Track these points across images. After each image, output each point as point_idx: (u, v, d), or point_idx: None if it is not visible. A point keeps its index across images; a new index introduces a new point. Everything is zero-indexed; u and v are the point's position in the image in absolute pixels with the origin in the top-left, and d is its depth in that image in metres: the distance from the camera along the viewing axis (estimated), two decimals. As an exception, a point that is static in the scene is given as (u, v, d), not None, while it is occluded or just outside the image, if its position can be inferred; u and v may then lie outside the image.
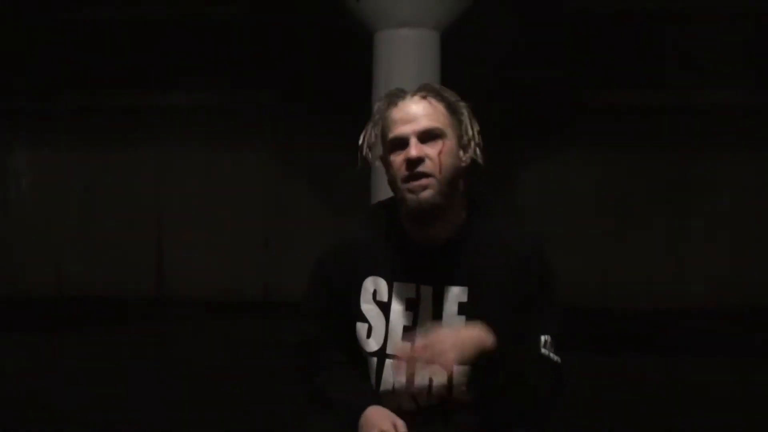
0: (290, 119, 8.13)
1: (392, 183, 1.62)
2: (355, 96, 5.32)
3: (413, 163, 1.56)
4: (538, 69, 7.60)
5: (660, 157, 7.97)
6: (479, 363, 1.51)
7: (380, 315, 1.64)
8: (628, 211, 8.02)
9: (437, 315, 1.61)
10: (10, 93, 8.18)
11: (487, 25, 5.87)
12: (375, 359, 1.65)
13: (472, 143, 1.65)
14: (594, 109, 7.81)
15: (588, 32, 7.41)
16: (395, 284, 1.64)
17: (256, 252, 8.25)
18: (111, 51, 7.88)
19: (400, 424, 1.56)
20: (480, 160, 1.65)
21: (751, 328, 6.77)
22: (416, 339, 1.57)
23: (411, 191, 1.57)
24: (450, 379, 1.59)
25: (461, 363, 1.50)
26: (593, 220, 7.96)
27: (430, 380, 1.61)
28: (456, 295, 1.60)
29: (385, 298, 1.64)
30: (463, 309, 1.60)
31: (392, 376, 1.62)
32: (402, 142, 1.59)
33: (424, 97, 1.62)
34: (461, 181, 1.65)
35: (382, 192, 1.70)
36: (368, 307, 1.65)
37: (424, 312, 1.62)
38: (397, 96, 1.64)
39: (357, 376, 1.68)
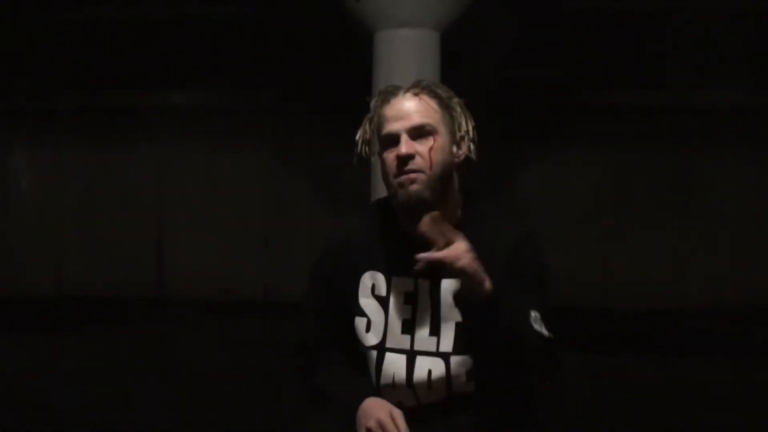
0: (290, 119, 8.13)
1: (385, 178, 1.64)
2: (355, 96, 5.29)
3: (404, 159, 1.58)
4: (538, 69, 7.60)
5: (660, 157, 7.98)
6: (473, 303, 1.50)
7: (379, 309, 1.66)
8: (628, 211, 8.02)
9: (435, 307, 1.63)
10: (10, 93, 8.18)
11: (487, 25, 5.87)
12: (375, 353, 1.65)
13: (466, 139, 1.65)
14: (594, 109, 7.81)
15: (588, 32, 7.41)
16: (393, 278, 1.65)
17: (256, 252, 8.25)
18: (111, 51, 7.88)
19: (397, 413, 1.56)
20: (473, 155, 1.66)
21: (751, 328, 6.77)
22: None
23: (400, 185, 1.59)
24: (448, 368, 1.60)
25: (466, 277, 1.48)
26: (593, 220, 7.96)
27: (429, 372, 1.62)
28: (453, 287, 1.61)
29: (383, 293, 1.66)
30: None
31: (393, 367, 1.62)
32: (394, 139, 1.61)
33: (416, 94, 1.63)
34: (455, 176, 1.66)
35: (382, 190, 1.71)
36: (367, 302, 1.67)
37: (422, 305, 1.64)
38: (390, 93, 1.66)
39: (356, 375, 1.68)
